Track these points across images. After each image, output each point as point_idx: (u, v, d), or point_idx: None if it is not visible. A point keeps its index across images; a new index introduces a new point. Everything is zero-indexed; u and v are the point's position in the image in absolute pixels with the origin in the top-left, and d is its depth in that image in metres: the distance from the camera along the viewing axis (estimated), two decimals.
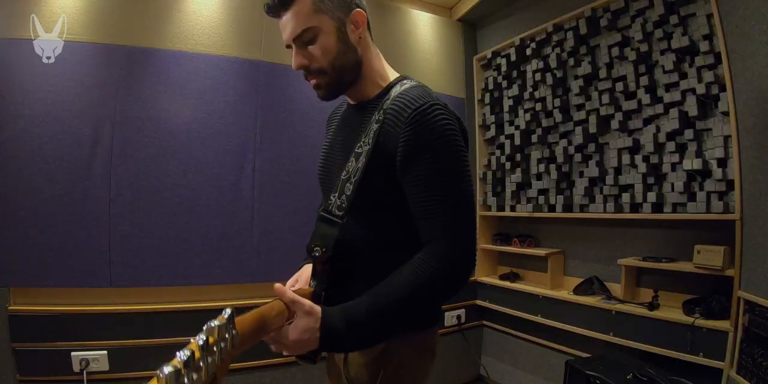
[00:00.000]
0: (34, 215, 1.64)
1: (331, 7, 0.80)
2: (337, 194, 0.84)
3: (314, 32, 0.80)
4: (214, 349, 0.48)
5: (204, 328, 0.50)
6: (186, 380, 0.42)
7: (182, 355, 0.43)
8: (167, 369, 0.40)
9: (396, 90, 0.84)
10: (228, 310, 0.53)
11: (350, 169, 0.83)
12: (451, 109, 0.81)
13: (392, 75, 0.91)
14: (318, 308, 0.70)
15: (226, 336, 0.51)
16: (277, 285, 0.69)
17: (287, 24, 0.81)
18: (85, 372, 1.65)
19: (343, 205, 0.82)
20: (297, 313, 0.69)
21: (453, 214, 0.76)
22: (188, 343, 0.46)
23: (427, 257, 0.74)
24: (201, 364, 0.45)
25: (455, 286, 0.77)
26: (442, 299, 0.81)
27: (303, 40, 0.81)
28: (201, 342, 0.47)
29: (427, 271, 0.73)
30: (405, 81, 0.88)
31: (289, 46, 0.85)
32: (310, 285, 0.86)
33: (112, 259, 1.73)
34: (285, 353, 0.71)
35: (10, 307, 1.62)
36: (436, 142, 0.75)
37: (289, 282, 0.97)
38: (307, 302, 0.70)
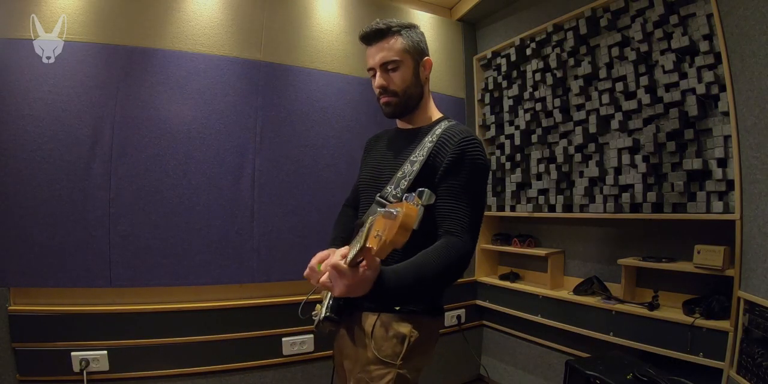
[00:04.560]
0: (34, 215, 1.64)
1: (413, 51, 1.12)
2: (393, 186, 1.09)
3: (398, 64, 1.10)
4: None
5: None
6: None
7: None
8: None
9: (444, 124, 1.13)
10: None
11: (406, 170, 1.09)
12: (483, 144, 1.10)
13: (437, 113, 1.22)
14: (380, 268, 0.83)
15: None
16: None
17: (378, 52, 1.10)
18: (85, 372, 1.65)
19: (398, 195, 1.06)
20: (368, 264, 0.80)
21: (473, 216, 1.02)
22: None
23: (454, 244, 0.97)
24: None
25: (465, 267, 0.99)
26: (457, 276, 1.00)
27: (388, 67, 1.10)
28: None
29: (456, 254, 0.95)
30: (450, 119, 1.18)
31: (371, 69, 1.14)
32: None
33: (112, 259, 1.73)
34: (332, 292, 0.84)
35: (10, 307, 1.62)
36: (471, 165, 1.04)
37: (316, 258, 1.09)
38: (378, 261, 0.81)
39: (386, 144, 1.25)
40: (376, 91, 1.14)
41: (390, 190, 1.09)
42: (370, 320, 1.06)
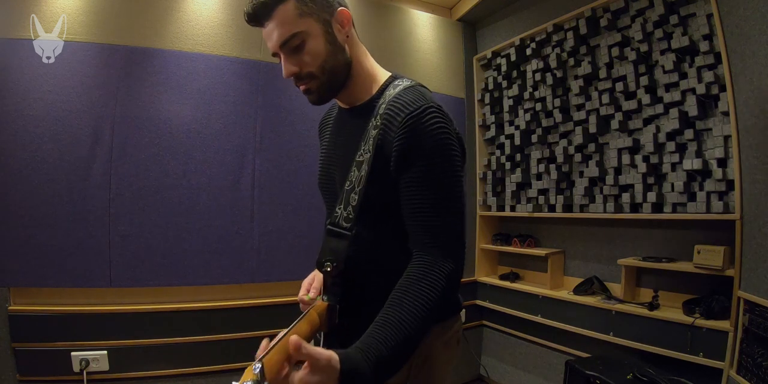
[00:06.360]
0: (34, 215, 1.64)
1: (315, 10, 0.78)
2: (342, 206, 0.83)
3: (302, 37, 0.78)
4: None
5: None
6: None
7: None
8: None
9: (390, 93, 0.83)
10: (258, 366, 0.51)
11: (353, 179, 0.82)
12: (445, 110, 0.79)
13: (383, 74, 0.90)
14: (336, 360, 0.59)
15: None
16: (294, 338, 0.57)
17: (272, 32, 0.79)
18: (85, 372, 1.65)
19: (350, 216, 0.82)
20: (312, 367, 0.58)
21: (447, 221, 0.76)
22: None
23: (432, 269, 0.73)
24: None
25: (457, 286, 0.79)
26: (447, 299, 0.80)
27: (291, 46, 0.79)
28: None
29: (437, 284, 0.72)
30: (397, 81, 0.86)
31: (275, 55, 0.82)
32: (323, 299, 0.83)
33: (112, 259, 1.73)
34: None
35: (10, 307, 1.62)
36: (430, 147, 0.75)
37: (303, 287, 0.96)
38: (324, 356, 0.58)
39: (333, 131, 0.98)
40: (292, 80, 0.84)
41: (340, 212, 0.84)
42: None
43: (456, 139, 0.79)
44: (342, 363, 0.59)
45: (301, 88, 0.84)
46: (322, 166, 0.98)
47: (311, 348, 0.58)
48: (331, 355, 0.59)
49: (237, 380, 0.49)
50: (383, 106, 0.81)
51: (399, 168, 0.77)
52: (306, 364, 0.58)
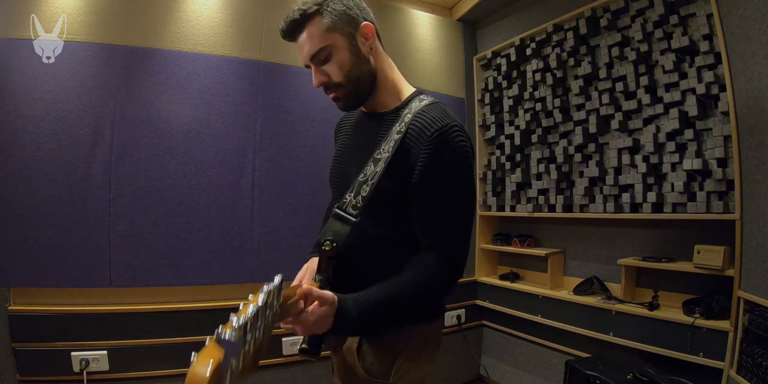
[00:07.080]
0: (34, 215, 1.64)
1: (341, 25, 0.88)
2: (353, 194, 0.90)
3: (328, 50, 0.88)
4: (267, 312, 0.50)
5: (263, 288, 0.53)
6: (249, 337, 0.44)
7: (250, 309, 0.45)
8: (235, 321, 0.43)
9: (416, 105, 0.92)
10: (278, 277, 0.57)
11: (368, 172, 0.90)
12: (465, 128, 0.89)
13: (407, 88, 0.99)
14: (336, 300, 0.77)
15: (275, 303, 0.53)
16: (305, 286, 0.75)
17: (303, 46, 0.89)
18: (85, 372, 1.65)
19: (359, 205, 0.89)
20: (321, 302, 0.75)
21: (458, 229, 0.87)
22: (237, 308, 0.50)
23: (431, 262, 0.85)
24: (259, 323, 0.47)
25: (450, 289, 0.90)
26: (438, 298, 0.93)
27: (319, 58, 0.89)
28: (261, 302, 0.49)
29: (430, 275, 0.84)
30: (423, 96, 0.95)
31: (307, 66, 0.93)
32: (315, 280, 0.88)
33: (112, 259, 1.73)
34: (296, 334, 0.79)
35: (10, 307, 1.62)
36: (454, 163, 0.85)
37: (297, 277, 1.00)
38: (330, 294, 0.76)
39: (352, 132, 1.06)
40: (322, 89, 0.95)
41: (349, 199, 0.90)
42: (354, 336, 0.94)
43: (470, 154, 0.89)
44: (339, 302, 0.77)
45: (330, 96, 0.94)
46: (335, 162, 1.07)
47: (320, 290, 0.75)
48: (335, 295, 0.77)
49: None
50: (409, 115, 0.90)
51: (421, 179, 0.85)
52: (316, 302, 0.74)
